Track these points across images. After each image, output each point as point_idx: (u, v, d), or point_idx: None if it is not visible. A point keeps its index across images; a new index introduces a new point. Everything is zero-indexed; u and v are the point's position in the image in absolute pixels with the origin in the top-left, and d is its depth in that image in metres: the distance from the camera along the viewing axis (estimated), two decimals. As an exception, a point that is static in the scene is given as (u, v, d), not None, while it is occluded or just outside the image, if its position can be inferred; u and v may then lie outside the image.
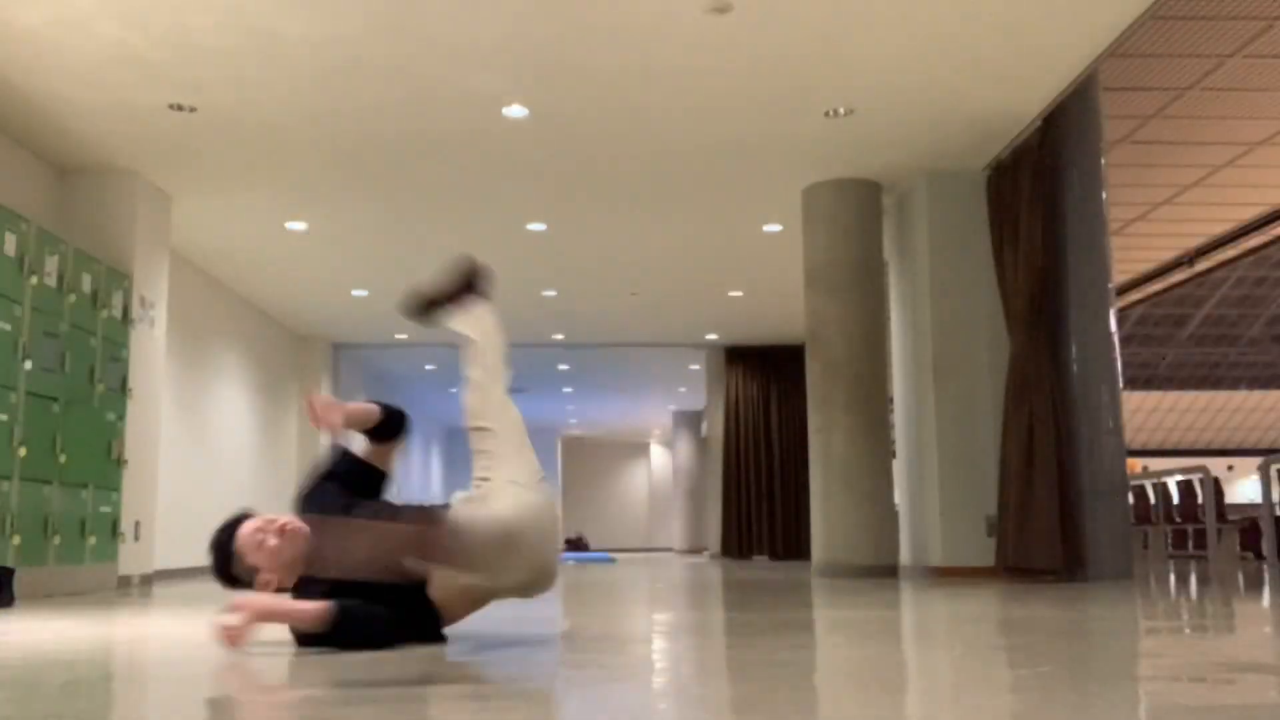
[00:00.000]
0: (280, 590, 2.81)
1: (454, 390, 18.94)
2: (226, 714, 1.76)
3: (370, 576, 2.61)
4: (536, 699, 1.85)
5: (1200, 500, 10.77)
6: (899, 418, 7.44)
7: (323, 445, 12.94)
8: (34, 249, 5.53)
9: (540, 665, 2.35)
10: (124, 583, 6.58)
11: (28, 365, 5.42)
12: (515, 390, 19.46)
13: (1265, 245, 10.80)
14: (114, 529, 6.35)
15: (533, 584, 2.83)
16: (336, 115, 6.18)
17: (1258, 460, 9.61)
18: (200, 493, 9.52)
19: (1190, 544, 11.42)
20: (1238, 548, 10.82)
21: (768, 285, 10.52)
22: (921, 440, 7.04)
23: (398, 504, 3.04)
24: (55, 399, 5.69)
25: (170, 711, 1.78)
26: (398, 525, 2.57)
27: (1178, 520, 11.42)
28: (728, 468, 13.81)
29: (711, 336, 13.39)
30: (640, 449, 27.90)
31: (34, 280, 5.53)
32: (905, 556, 7.24)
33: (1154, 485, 11.90)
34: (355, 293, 10.66)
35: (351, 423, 2.94)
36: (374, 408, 3.02)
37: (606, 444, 27.75)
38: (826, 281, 7.38)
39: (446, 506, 2.82)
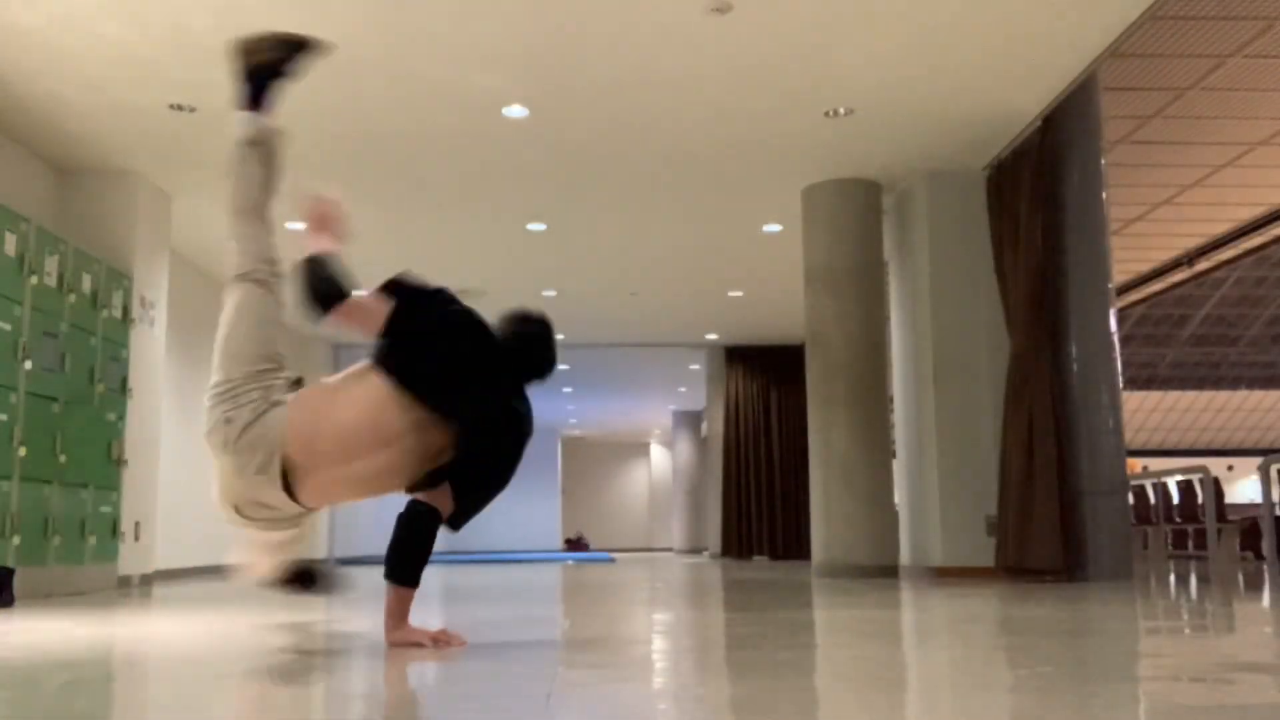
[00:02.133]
0: None
1: (454, 390, 18.91)
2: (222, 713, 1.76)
3: None
4: (536, 699, 1.85)
5: (1200, 500, 10.78)
6: (899, 418, 7.44)
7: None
8: (34, 249, 5.53)
9: (540, 665, 2.35)
10: (124, 583, 6.58)
11: (28, 365, 5.42)
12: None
13: (1265, 245, 10.80)
14: (114, 529, 6.35)
15: None
16: (337, 115, 6.18)
17: (1258, 460, 9.61)
18: (200, 493, 9.50)
19: (1190, 544, 11.42)
20: (1238, 548, 10.82)
21: (768, 285, 10.52)
22: (921, 440, 7.04)
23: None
24: (55, 399, 5.69)
25: (170, 711, 1.78)
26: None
27: (1178, 520, 11.42)
28: (728, 468, 13.81)
29: (711, 336, 13.39)
30: (640, 449, 27.90)
31: (34, 280, 5.53)
32: (905, 556, 7.24)
33: (1154, 485, 11.90)
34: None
35: None
36: None
37: (606, 444, 27.74)
38: (826, 281, 7.38)
39: None
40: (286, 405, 2.79)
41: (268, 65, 3.23)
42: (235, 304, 3.01)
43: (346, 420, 2.77)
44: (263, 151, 3.23)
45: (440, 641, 2.70)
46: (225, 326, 2.95)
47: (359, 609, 4.41)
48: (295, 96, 5.94)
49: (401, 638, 2.72)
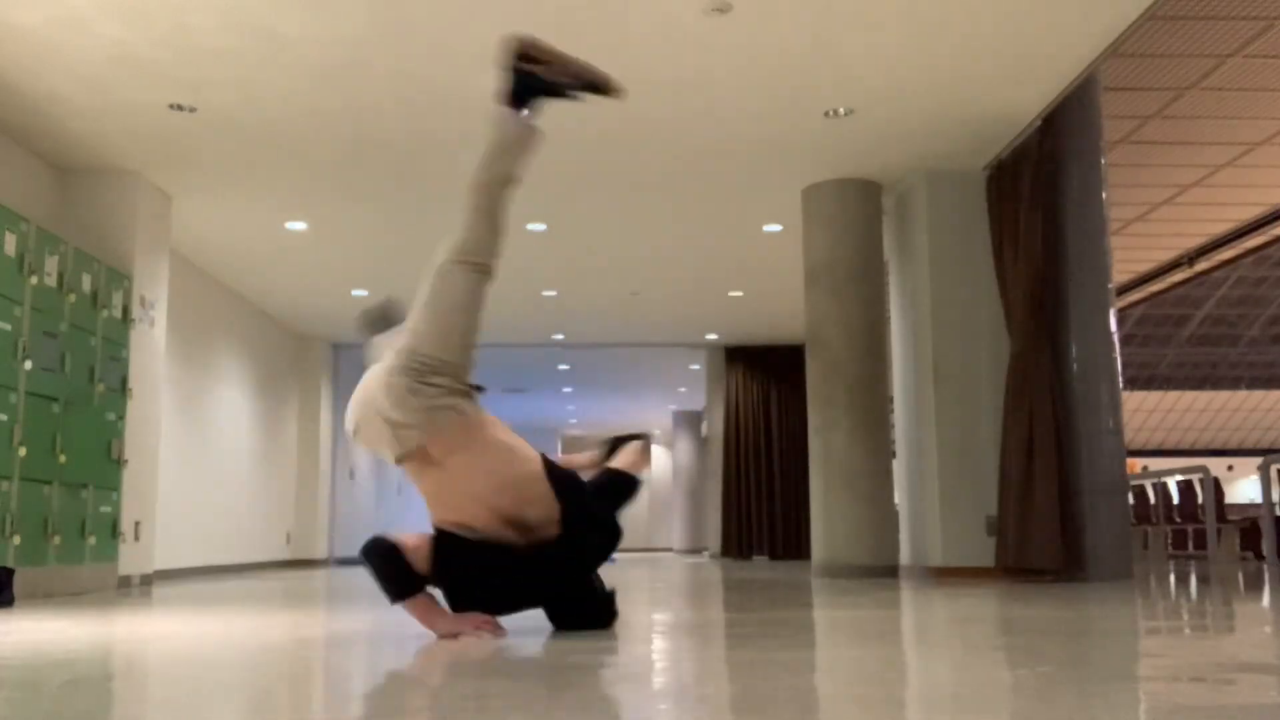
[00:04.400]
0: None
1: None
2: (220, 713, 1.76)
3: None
4: (536, 698, 1.85)
5: (1200, 500, 10.78)
6: (899, 418, 7.44)
7: (321, 448, 12.94)
8: (34, 249, 5.53)
9: (540, 665, 2.35)
10: (124, 583, 6.59)
11: (28, 365, 5.42)
12: (514, 390, 19.47)
13: (1265, 245, 10.81)
14: (114, 529, 6.35)
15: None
16: (336, 115, 6.18)
17: (1258, 460, 9.61)
18: (200, 493, 9.52)
19: (1190, 544, 11.43)
20: (1238, 548, 10.83)
21: (768, 285, 10.52)
22: (921, 440, 7.04)
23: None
24: (55, 399, 5.69)
25: (170, 711, 1.78)
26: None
27: (1178, 520, 11.42)
28: (728, 468, 13.81)
29: (711, 336, 13.39)
30: (640, 449, 27.86)
31: (34, 280, 5.53)
32: (905, 556, 7.24)
33: (1154, 485, 11.91)
34: (355, 293, 10.66)
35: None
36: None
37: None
38: (826, 281, 7.38)
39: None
40: (459, 413, 2.99)
41: (550, 83, 3.20)
42: (464, 288, 3.04)
43: (498, 475, 3.01)
44: (520, 149, 3.17)
45: (482, 628, 2.94)
46: (447, 306, 3.02)
47: (361, 607, 4.41)
48: (296, 95, 5.96)
49: (449, 627, 2.93)
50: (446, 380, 2.98)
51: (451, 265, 3.03)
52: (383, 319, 3.42)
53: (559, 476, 3.08)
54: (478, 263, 3.05)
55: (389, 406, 2.95)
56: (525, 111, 3.19)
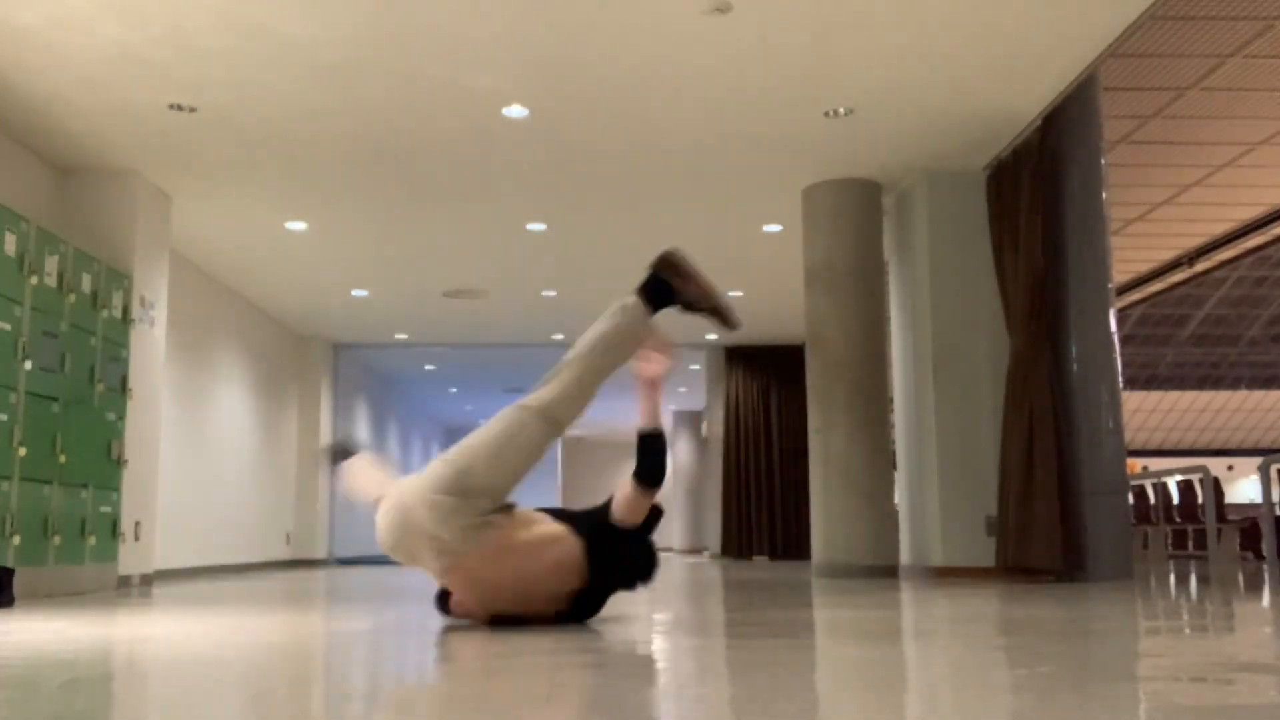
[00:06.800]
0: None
1: (454, 390, 18.93)
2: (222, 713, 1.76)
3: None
4: (536, 699, 1.85)
5: (1200, 500, 10.78)
6: (899, 418, 7.44)
7: (323, 438, 12.93)
8: (34, 249, 5.53)
9: (540, 664, 2.35)
10: (124, 583, 6.58)
11: (28, 365, 5.42)
12: (514, 390, 19.48)
13: (1265, 245, 10.81)
14: (114, 529, 6.35)
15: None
16: (336, 115, 6.18)
17: (1258, 460, 9.61)
18: (200, 493, 9.52)
19: (1190, 544, 11.43)
20: (1238, 548, 10.83)
21: (768, 285, 10.52)
22: (921, 440, 7.04)
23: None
24: (55, 399, 5.69)
25: (170, 711, 1.78)
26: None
27: (1178, 520, 11.43)
28: (728, 468, 13.81)
29: (711, 336, 13.39)
30: (640, 449, 27.82)
31: (34, 280, 5.53)
32: (905, 556, 7.24)
33: (1154, 485, 11.91)
34: (355, 293, 10.66)
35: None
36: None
37: (606, 444, 27.73)
38: (826, 281, 7.38)
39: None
40: (497, 528, 3.25)
41: (683, 298, 3.51)
42: (535, 438, 3.33)
43: (527, 573, 3.30)
44: (636, 344, 3.52)
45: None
46: (514, 447, 3.29)
47: (361, 608, 4.40)
48: (296, 95, 5.95)
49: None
50: (489, 501, 3.23)
51: (532, 416, 3.30)
52: (345, 451, 3.73)
53: (587, 532, 3.37)
54: (556, 420, 3.33)
55: (433, 523, 3.16)
56: (653, 313, 3.50)
